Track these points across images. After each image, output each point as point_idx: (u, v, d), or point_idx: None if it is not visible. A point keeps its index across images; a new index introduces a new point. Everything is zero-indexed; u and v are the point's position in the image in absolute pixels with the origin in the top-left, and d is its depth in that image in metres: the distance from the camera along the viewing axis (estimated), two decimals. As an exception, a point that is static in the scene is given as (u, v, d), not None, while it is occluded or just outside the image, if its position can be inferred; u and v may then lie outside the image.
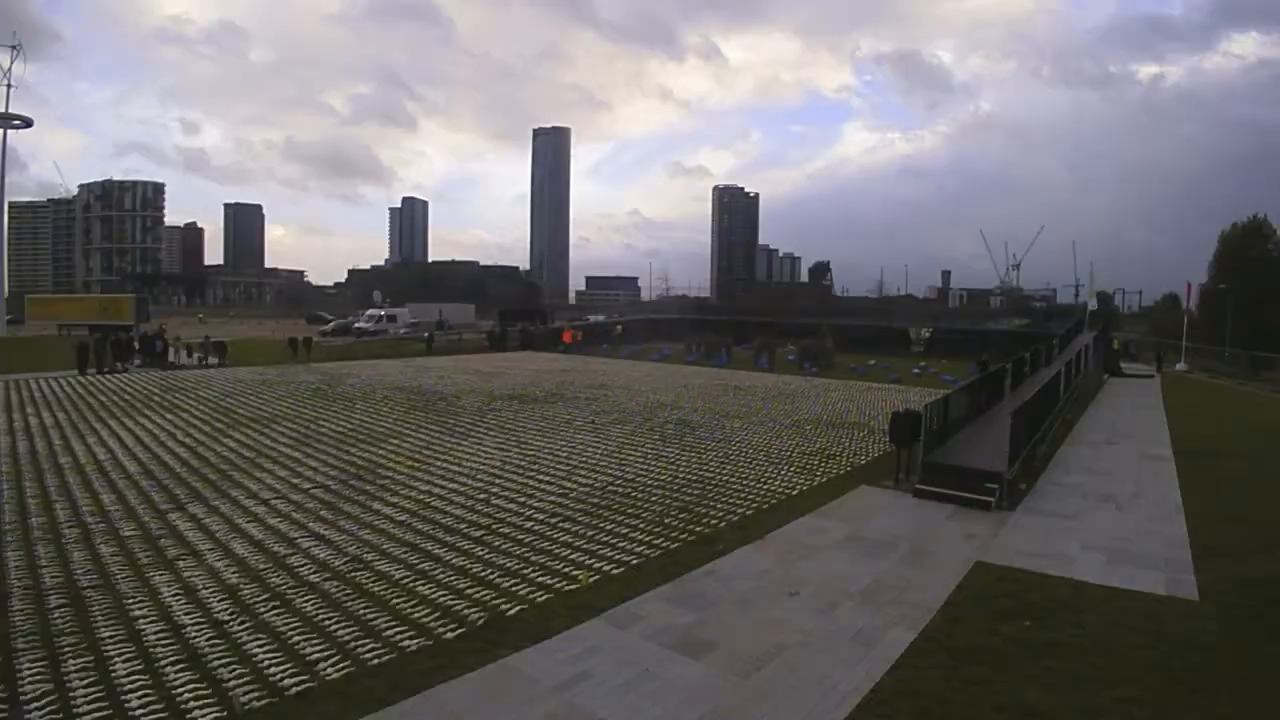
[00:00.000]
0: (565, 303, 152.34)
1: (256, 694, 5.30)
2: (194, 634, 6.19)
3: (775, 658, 6.12)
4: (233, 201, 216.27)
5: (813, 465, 13.44)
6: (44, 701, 5.13)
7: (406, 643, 6.17)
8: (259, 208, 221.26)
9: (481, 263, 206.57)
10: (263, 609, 6.75)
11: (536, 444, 14.80)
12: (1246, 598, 7.57)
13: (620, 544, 8.78)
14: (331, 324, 58.77)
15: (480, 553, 8.40)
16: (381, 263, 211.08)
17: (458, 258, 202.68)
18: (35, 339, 45.86)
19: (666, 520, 9.80)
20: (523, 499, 10.72)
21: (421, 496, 10.77)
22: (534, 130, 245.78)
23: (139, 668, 5.62)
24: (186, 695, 5.25)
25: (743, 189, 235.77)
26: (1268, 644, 6.52)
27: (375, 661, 5.86)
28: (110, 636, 6.11)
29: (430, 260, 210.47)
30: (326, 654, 5.93)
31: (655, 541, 8.91)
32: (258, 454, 13.44)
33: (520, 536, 9.02)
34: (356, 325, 53.38)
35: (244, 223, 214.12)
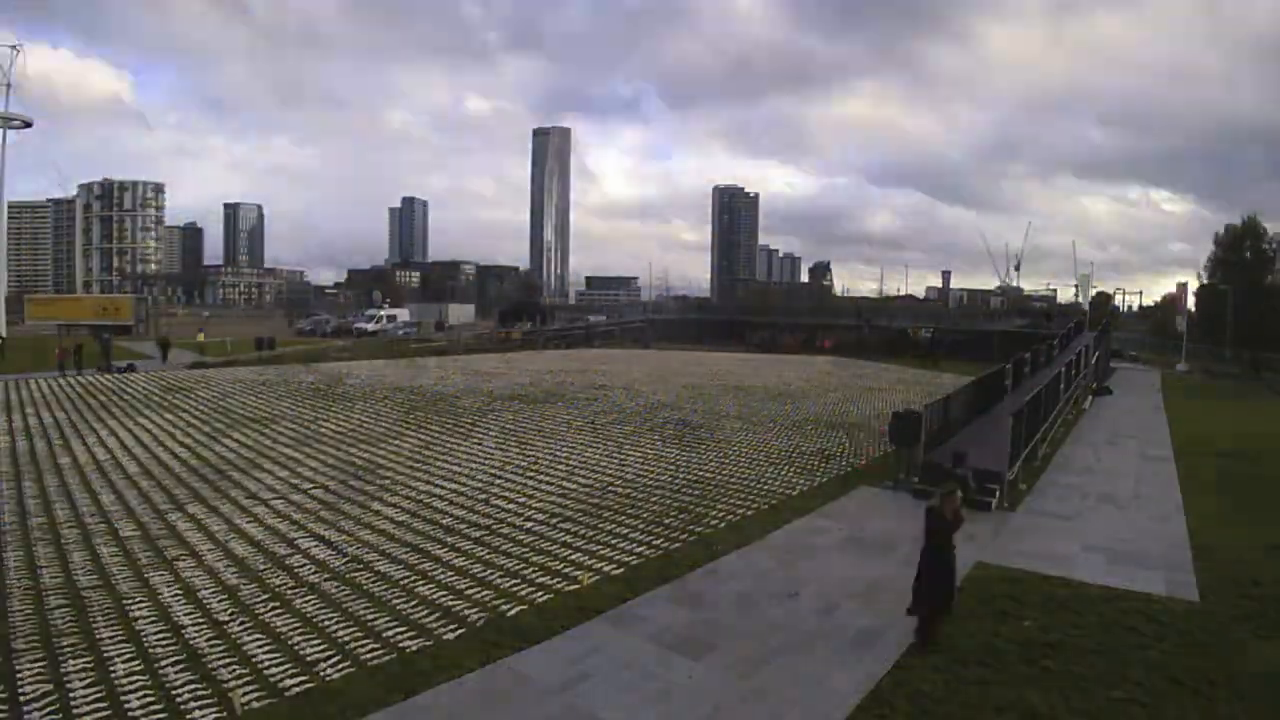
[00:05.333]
0: (566, 302, 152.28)
1: (256, 694, 5.31)
2: (194, 634, 6.19)
3: (775, 658, 6.12)
4: (233, 201, 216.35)
5: (813, 466, 13.43)
6: (44, 701, 5.13)
7: (406, 643, 6.17)
8: (259, 207, 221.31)
9: (481, 263, 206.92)
10: (262, 609, 6.75)
11: (536, 444, 14.79)
12: (1246, 599, 7.57)
13: (620, 544, 8.78)
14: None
15: (480, 553, 8.40)
16: (381, 262, 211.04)
17: (458, 258, 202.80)
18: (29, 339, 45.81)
19: (666, 521, 9.80)
20: (523, 499, 10.72)
21: (421, 497, 10.76)
22: (534, 130, 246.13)
23: (139, 668, 5.62)
24: (186, 695, 5.25)
25: (743, 189, 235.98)
26: (1267, 645, 6.52)
27: (375, 662, 5.86)
28: (110, 636, 6.12)
29: (430, 260, 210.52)
30: (326, 654, 5.93)
31: (655, 542, 8.91)
32: (257, 454, 13.43)
33: (520, 537, 9.01)
34: (357, 325, 53.45)
35: (244, 222, 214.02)
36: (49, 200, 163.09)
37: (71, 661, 5.69)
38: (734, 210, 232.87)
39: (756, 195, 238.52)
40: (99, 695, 5.23)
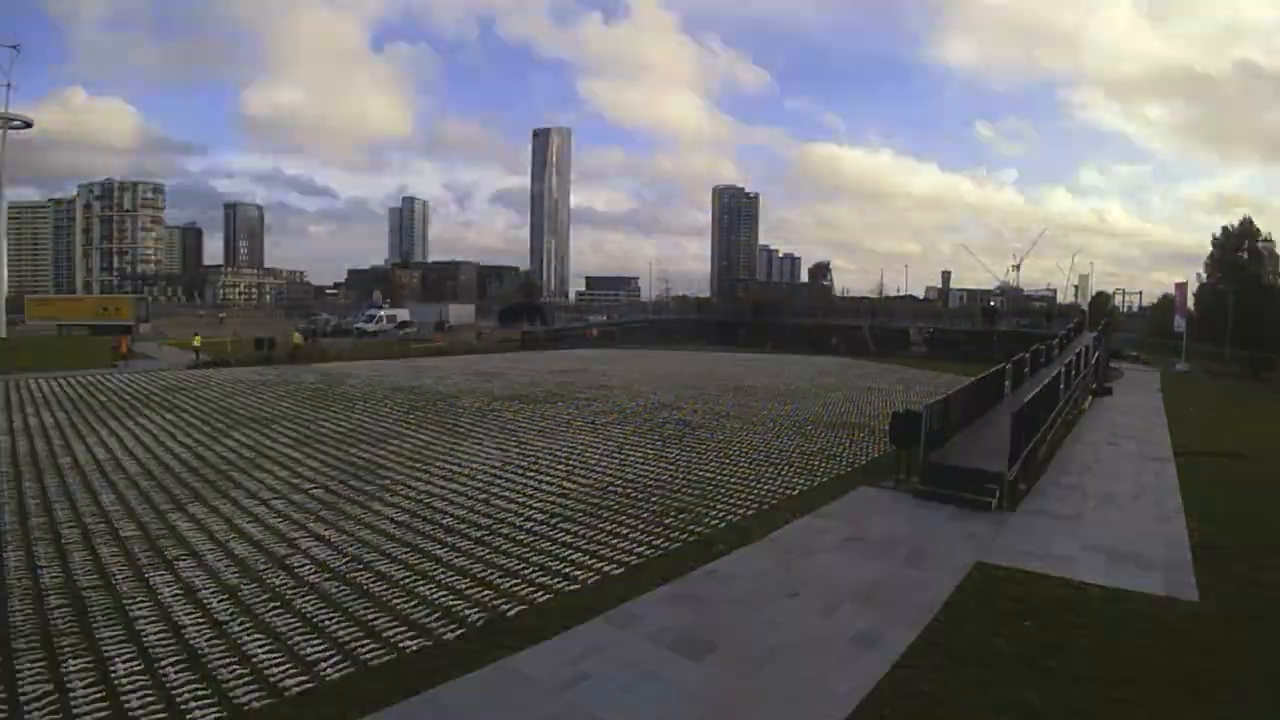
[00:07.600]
0: (566, 302, 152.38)
1: (256, 694, 5.31)
2: (194, 634, 6.19)
3: (775, 659, 6.12)
4: (233, 201, 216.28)
5: (813, 466, 13.43)
6: (44, 701, 5.13)
7: (406, 643, 6.17)
8: (259, 207, 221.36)
9: (481, 262, 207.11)
10: (262, 609, 6.75)
11: (536, 444, 14.79)
12: (1246, 599, 7.58)
13: (620, 544, 8.78)
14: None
15: (480, 553, 8.40)
16: (381, 262, 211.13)
17: (457, 258, 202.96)
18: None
19: (666, 521, 9.79)
20: (523, 499, 10.72)
21: (421, 497, 10.76)
22: (534, 130, 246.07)
23: (139, 668, 5.62)
24: (186, 695, 5.25)
25: (743, 189, 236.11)
26: (1268, 646, 6.52)
27: (375, 661, 5.86)
28: (110, 636, 6.11)
29: (430, 260, 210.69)
30: (326, 654, 5.93)
31: (655, 542, 8.91)
32: (258, 454, 13.43)
33: (520, 537, 9.01)
34: (357, 325, 53.46)
35: (244, 223, 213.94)
36: (49, 200, 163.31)
37: (71, 661, 5.68)
38: (734, 210, 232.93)
39: (757, 195, 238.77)
40: (99, 695, 5.23)
